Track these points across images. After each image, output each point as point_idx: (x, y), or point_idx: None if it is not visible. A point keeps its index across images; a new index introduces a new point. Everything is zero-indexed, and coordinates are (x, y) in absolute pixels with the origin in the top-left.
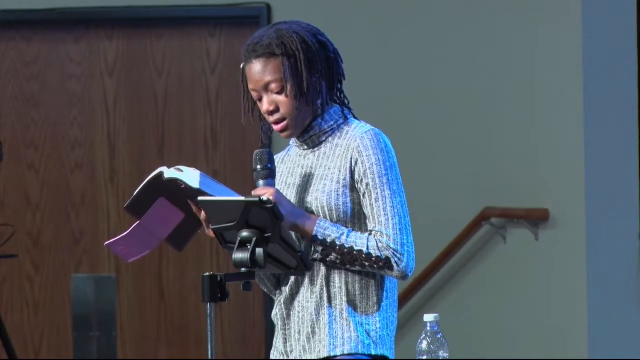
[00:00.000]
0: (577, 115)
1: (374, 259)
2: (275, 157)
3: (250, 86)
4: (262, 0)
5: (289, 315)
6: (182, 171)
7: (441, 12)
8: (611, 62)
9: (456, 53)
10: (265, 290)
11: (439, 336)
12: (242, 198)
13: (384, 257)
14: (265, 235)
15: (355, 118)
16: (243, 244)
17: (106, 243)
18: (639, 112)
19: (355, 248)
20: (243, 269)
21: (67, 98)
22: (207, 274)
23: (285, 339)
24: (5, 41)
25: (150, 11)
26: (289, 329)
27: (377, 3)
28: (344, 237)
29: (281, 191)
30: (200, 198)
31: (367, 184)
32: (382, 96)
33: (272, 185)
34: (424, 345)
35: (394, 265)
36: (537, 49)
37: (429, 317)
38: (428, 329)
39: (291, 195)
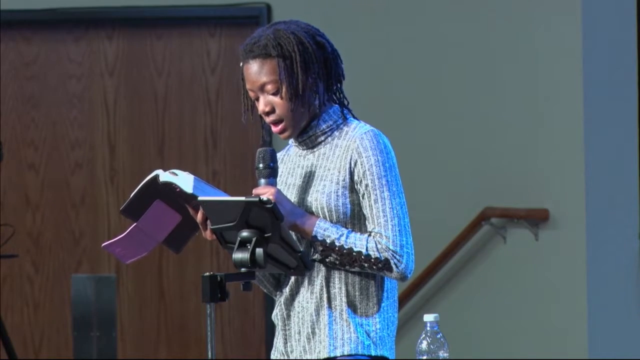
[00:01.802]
0: (577, 115)
1: (373, 260)
2: None
3: (247, 86)
4: (262, 0)
5: (289, 316)
6: (176, 175)
7: (441, 12)
8: (611, 62)
9: (456, 53)
10: (265, 291)
11: (439, 336)
12: (242, 198)
13: (383, 258)
14: (265, 235)
15: (355, 118)
16: (243, 244)
17: (103, 245)
18: (639, 112)
19: (355, 249)
20: (243, 269)
21: (67, 98)
22: (207, 274)
23: (286, 340)
24: (5, 41)
25: (150, 11)
26: (289, 330)
27: (377, 3)
28: (343, 238)
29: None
30: (200, 198)
31: (367, 185)
32: (381, 96)
33: (274, 184)
34: (424, 345)
35: (393, 266)
36: (537, 49)
37: (429, 317)
38: (428, 329)
39: (291, 195)
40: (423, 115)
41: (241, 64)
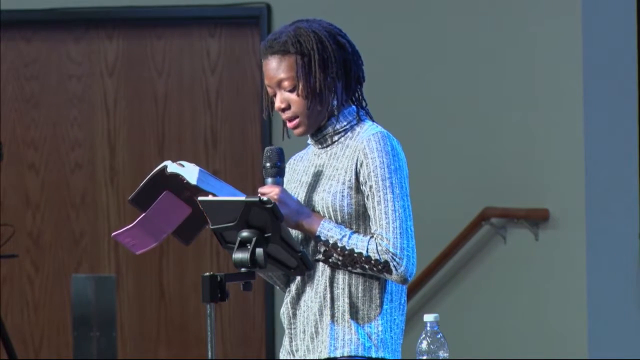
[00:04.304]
0: (577, 116)
1: (373, 262)
2: (296, 155)
3: (266, 82)
4: (262, 0)
5: (294, 315)
6: (183, 166)
7: (441, 12)
8: (611, 62)
9: (456, 53)
10: (278, 288)
11: (439, 336)
12: (241, 198)
13: (382, 260)
14: (265, 235)
15: (372, 120)
16: (243, 244)
17: (113, 234)
18: (639, 112)
19: (356, 250)
20: (243, 269)
21: (67, 98)
22: (207, 274)
23: (291, 338)
24: (5, 41)
25: (150, 11)
26: (294, 328)
27: (377, 3)
28: (345, 239)
29: (295, 189)
30: (200, 198)
31: (371, 187)
32: (381, 96)
33: (280, 183)
34: (424, 345)
35: (393, 269)
36: (537, 48)
37: (429, 317)
38: (428, 329)
39: (303, 193)
40: (423, 115)
41: (261, 60)
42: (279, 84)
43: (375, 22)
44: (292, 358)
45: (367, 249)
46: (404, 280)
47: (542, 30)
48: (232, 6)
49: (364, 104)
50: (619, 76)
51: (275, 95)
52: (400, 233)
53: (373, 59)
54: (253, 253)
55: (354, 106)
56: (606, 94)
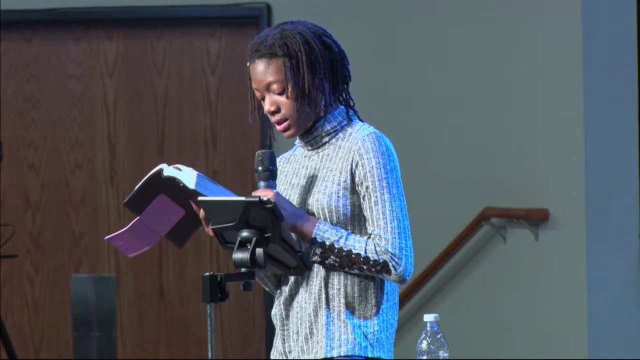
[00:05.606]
0: (577, 115)
1: (371, 262)
2: (281, 156)
3: (253, 85)
4: (262, 0)
5: (287, 316)
6: (180, 170)
7: (441, 12)
8: (611, 62)
9: (456, 53)
10: (267, 289)
11: (439, 336)
12: (242, 198)
13: (381, 260)
14: (265, 235)
15: (360, 120)
16: (243, 244)
17: (106, 237)
18: (639, 112)
19: (354, 251)
20: (243, 269)
21: (67, 98)
22: (207, 274)
23: (284, 339)
24: (5, 41)
25: (150, 11)
26: (287, 330)
27: (377, 3)
28: (342, 240)
29: (285, 191)
30: (200, 198)
31: (367, 187)
32: (381, 96)
33: (273, 186)
34: (424, 345)
35: (392, 269)
36: (537, 49)
37: (429, 317)
38: (428, 329)
39: (294, 195)
40: (423, 115)
41: (248, 64)
42: (267, 87)
43: (375, 22)
44: (285, 359)
45: (365, 249)
46: (402, 280)
47: (542, 29)
48: (232, 6)
49: (351, 103)
50: (619, 76)
51: (263, 98)
52: (399, 233)
53: (373, 57)
54: (253, 253)
55: (342, 106)
56: (606, 94)
